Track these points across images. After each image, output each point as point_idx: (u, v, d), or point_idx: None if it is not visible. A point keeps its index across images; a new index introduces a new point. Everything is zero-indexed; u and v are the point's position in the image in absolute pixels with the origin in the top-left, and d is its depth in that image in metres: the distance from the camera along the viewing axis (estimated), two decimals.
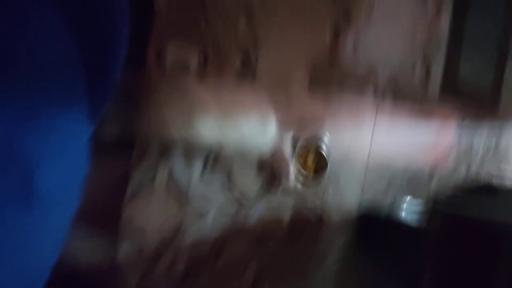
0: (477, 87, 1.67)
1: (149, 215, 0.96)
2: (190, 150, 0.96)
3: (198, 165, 1.01)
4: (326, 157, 1.14)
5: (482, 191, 1.77)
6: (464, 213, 1.08)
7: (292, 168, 1.13)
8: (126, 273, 0.94)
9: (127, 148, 0.91)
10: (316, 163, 1.14)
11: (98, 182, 0.90)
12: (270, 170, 1.13)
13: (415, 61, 1.44)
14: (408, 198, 1.50)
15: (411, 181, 1.50)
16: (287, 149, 1.04)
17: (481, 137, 1.75)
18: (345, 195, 1.31)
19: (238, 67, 1.05)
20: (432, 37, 1.49)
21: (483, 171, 1.79)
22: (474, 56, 1.65)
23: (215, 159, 1.03)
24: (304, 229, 1.23)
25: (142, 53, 0.90)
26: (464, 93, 1.62)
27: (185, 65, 0.96)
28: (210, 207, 1.05)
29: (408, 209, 1.51)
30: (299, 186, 1.17)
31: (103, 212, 0.90)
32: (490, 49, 1.74)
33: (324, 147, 1.18)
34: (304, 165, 1.13)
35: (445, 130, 1.60)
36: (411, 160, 1.49)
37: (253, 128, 0.95)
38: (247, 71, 1.06)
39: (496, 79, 1.78)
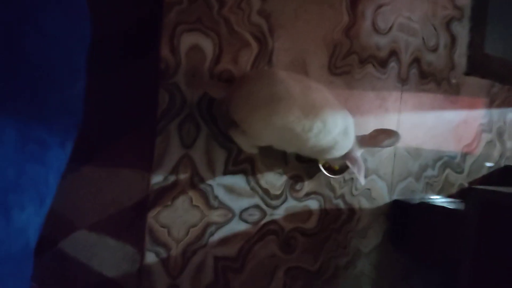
0: (504, 65, 1.58)
1: (173, 219, 0.90)
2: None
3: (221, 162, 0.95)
4: None
5: None
6: (499, 198, 1.00)
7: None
8: (153, 281, 0.88)
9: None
10: None
11: (119, 192, 0.85)
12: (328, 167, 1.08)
13: (439, 39, 1.36)
14: (441, 182, 1.42)
15: (443, 165, 1.42)
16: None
17: None
18: (376, 182, 1.24)
19: (254, 51, 0.98)
20: (454, 12, 1.41)
21: None
22: (500, 33, 1.56)
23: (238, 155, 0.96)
24: (335, 221, 1.16)
25: (155, 41, 0.84)
26: (491, 72, 1.53)
27: (200, 51, 0.90)
28: (236, 207, 0.98)
29: (441, 194, 1.43)
30: (329, 176, 1.09)
31: (128, 218, 0.85)
32: None
33: None
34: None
35: (473, 112, 1.51)
36: (440, 144, 1.41)
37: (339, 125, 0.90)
38: (263, 56, 0.99)
39: None
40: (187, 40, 0.89)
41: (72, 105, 0.53)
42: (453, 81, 1.42)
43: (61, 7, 0.48)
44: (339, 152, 0.95)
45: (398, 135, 0.98)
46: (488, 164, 1.59)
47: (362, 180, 0.98)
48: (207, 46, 0.91)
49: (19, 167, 0.42)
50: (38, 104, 0.46)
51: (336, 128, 0.89)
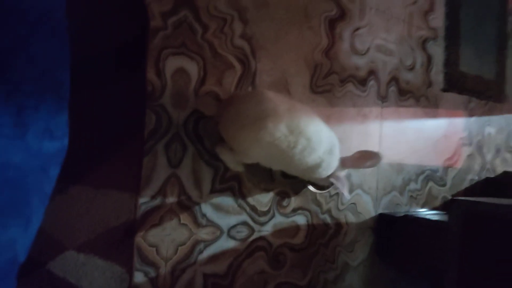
0: (479, 81, 1.65)
1: (162, 237, 0.91)
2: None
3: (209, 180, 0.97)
4: None
5: (498, 185, 1.72)
6: (482, 208, 1.04)
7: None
8: None
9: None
10: None
11: (107, 213, 0.86)
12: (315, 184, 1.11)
13: (415, 58, 1.43)
14: (424, 195, 1.46)
15: (426, 179, 1.46)
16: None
17: (492, 133, 1.73)
18: (361, 197, 1.27)
19: (238, 73, 1.02)
20: (429, 33, 1.48)
21: (497, 165, 1.76)
22: (473, 51, 1.64)
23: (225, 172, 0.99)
24: (323, 235, 1.18)
25: (140, 65, 0.87)
26: (467, 88, 1.60)
27: (185, 74, 0.94)
28: (224, 225, 1.00)
29: (425, 206, 1.46)
30: (315, 191, 1.12)
31: (116, 238, 0.85)
32: (488, 44, 1.73)
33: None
34: None
35: (453, 127, 1.57)
36: (422, 158, 1.46)
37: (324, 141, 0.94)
38: (247, 77, 1.04)
39: (499, 73, 1.76)
40: (172, 64, 0.93)
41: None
42: (432, 97, 1.48)
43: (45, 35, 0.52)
44: (325, 171, 0.98)
45: (379, 156, 1.02)
46: (471, 174, 1.63)
47: (346, 195, 1.03)
48: (192, 69, 0.95)
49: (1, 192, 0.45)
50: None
51: (321, 147, 0.92)
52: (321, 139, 0.92)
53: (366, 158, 1.03)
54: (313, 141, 0.90)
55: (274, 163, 0.97)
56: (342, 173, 1.04)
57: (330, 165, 0.98)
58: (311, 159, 0.92)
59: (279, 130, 0.84)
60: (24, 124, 0.50)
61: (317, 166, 0.95)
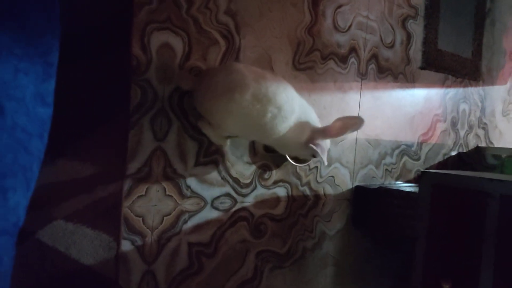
0: (456, 60, 1.71)
1: (148, 208, 0.95)
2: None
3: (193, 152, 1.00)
4: None
5: (469, 160, 1.81)
6: (448, 180, 1.11)
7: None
8: (130, 267, 0.93)
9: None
10: None
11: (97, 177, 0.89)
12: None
13: (395, 36, 1.46)
14: (399, 168, 1.53)
15: (401, 153, 1.53)
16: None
17: (466, 110, 1.80)
18: (339, 170, 1.33)
19: (222, 49, 1.04)
20: (409, 11, 1.51)
21: (470, 140, 1.84)
22: (451, 30, 1.69)
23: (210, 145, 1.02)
24: (302, 206, 1.24)
25: (125, 39, 0.88)
26: (444, 66, 1.66)
27: (170, 49, 0.95)
28: (208, 196, 1.04)
29: (400, 179, 1.54)
30: (295, 165, 1.17)
31: (103, 208, 0.89)
32: (466, 23, 1.77)
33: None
34: None
35: (429, 104, 1.63)
36: (398, 133, 1.52)
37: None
38: (231, 53, 1.06)
39: (475, 51, 1.82)
40: (157, 39, 0.94)
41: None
42: (410, 73, 1.53)
43: None
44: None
45: (361, 120, 0.99)
46: (445, 149, 1.71)
47: (325, 161, 1.01)
48: (177, 44, 0.97)
49: (13, 155, 0.47)
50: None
51: (293, 115, 0.94)
52: (293, 108, 0.94)
53: (348, 124, 0.99)
54: (284, 109, 0.91)
55: (250, 134, 0.99)
56: (324, 142, 1.03)
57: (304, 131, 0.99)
58: (283, 127, 0.94)
59: (246, 100, 0.87)
60: (22, 86, 0.52)
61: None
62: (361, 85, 1.37)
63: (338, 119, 1.00)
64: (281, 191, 1.19)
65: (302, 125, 0.98)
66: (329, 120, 1.24)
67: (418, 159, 1.60)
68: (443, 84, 1.67)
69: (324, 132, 1.01)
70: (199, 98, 0.92)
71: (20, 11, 0.53)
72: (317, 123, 1.03)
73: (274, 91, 0.90)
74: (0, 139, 0.46)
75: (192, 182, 1.02)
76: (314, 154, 1.01)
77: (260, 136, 0.99)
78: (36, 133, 0.54)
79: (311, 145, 0.98)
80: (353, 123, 0.99)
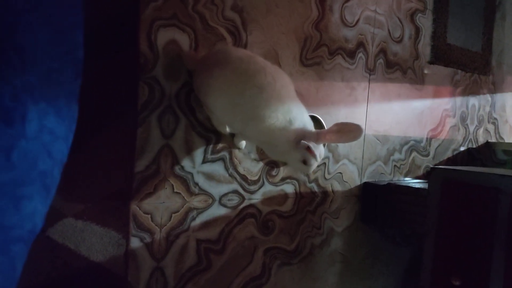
0: (466, 54, 1.68)
1: (156, 205, 0.95)
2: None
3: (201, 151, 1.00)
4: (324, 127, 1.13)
5: (479, 156, 1.79)
6: (458, 176, 1.09)
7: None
8: (139, 264, 0.93)
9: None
10: None
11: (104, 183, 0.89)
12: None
13: (403, 30, 1.45)
14: (408, 164, 1.52)
15: (410, 149, 1.51)
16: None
17: (476, 104, 1.78)
18: (347, 166, 1.32)
19: (229, 45, 1.03)
20: (418, 5, 1.49)
21: (480, 135, 1.82)
22: (460, 24, 1.66)
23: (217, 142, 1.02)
24: (310, 203, 1.24)
25: (133, 36, 0.88)
26: (453, 61, 1.63)
27: (177, 46, 0.95)
28: (216, 193, 1.04)
29: (409, 175, 1.52)
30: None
31: (113, 206, 0.89)
32: (476, 17, 1.75)
33: (322, 122, 1.18)
34: None
35: (438, 99, 1.61)
36: (407, 129, 1.50)
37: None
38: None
39: (485, 45, 1.79)
40: (164, 36, 0.93)
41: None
42: (426, 72, 1.51)
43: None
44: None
45: (360, 129, 0.89)
46: (454, 145, 1.69)
47: (312, 168, 0.94)
48: (184, 40, 0.96)
49: (32, 161, 0.47)
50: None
51: (283, 107, 0.88)
52: (282, 99, 0.88)
53: (345, 131, 0.90)
54: (266, 92, 0.86)
55: (237, 121, 0.91)
56: (317, 148, 0.92)
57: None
58: (268, 115, 0.87)
59: (224, 75, 0.86)
60: (55, 85, 0.51)
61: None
62: (369, 80, 1.35)
63: (335, 124, 0.91)
64: (288, 188, 1.19)
65: (294, 123, 0.90)
66: (336, 118, 1.23)
67: (427, 155, 1.58)
68: (452, 78, 1.65)
69: (318, 135, 0.91)
70: (195, 79, 0.93)
71: (46, 8, 0.52)
72: (311, 127, 0.94)
73: (257, 70, 0.86)
74: (19, 147, 0.46)
75: (200, 179, 1.02)
76: (305, 159, 0.91)
77: (247, 124, 0.89)
78: (62, 134, 0.53)
79: (303, 141, 0.89)
80: (349, 130, 0.90)
